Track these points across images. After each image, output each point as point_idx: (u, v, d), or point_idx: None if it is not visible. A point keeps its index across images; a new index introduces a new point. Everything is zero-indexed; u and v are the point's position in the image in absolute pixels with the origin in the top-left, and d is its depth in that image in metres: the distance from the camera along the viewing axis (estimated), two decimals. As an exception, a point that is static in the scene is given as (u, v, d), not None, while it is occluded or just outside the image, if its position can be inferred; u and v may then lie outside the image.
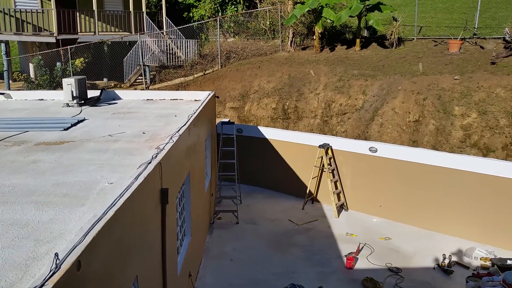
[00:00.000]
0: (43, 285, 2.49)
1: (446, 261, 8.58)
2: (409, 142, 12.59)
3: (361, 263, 8.75)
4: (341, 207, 11.62)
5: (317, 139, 11.97)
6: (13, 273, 2.79)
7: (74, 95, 9.81)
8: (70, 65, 17.80)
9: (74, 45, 18.03)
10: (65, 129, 7.24)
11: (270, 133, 12.86)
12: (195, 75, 18.27)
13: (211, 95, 11.13)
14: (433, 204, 10.13)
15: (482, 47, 15.07)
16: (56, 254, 2.76)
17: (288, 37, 18.73)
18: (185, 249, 6.97)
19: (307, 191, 11.81)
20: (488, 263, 8.45)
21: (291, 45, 18.48)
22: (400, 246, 9.46)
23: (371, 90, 14.31)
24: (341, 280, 8.18)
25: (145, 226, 4.59)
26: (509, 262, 8.07)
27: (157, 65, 19.44)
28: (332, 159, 11.71)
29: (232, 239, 9.80)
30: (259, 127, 13.11)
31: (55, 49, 17.90)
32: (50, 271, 2.63)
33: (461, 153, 11.32)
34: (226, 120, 12.97)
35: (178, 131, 6.69)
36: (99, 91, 11.21)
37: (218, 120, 12.81)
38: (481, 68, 13.42)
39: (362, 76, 14.83)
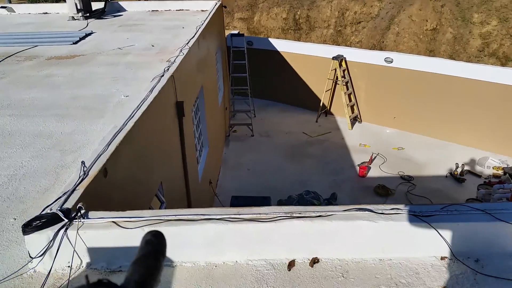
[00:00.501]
0: (74, 189, 2.62)
1: (459, 169, 8.72)
2: (426, 52, 12.19)
3: (374, 172, 8.99)
4: (354, 119, 11.63)
5: (331, 51, 11.60)
6: (45, 180, 2.93)
7: (79, 7, 9.44)
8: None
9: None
10: (74, 43, 7.09)
11: (282, 45, 12.46)
12: (202, -17, 17.26)
13: (218, 4, 10.62)
14: (447, 115, 10.07)
15: None
16: (83, 162, 2.86)
17: None
18: (204, 159, 7.20)
19: (321, 104, 11.76)
20: (500, 172, 8.59)
21: None
22: (412, 156, 9.61)
23: (389, -4, 13.50)
24: (354, 187, 8.48)
25: (165, 137, 4.69)
26: (520, 170, 8.21)
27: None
28: (346, 71, 11.45)
29: (248, 150, 10.06)
30: (270, 39, 12.68)
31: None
32: (79, 177, 2.75)
33: (479, 62, 10.96)
34: (236, 32, 12.50)
35: (188, 43, 6.52)
36: (103, 2, 10.75)
37: (227, 33, 12.37)
38: (508, -31, 12.41)
39: (380, -19, 13.89)
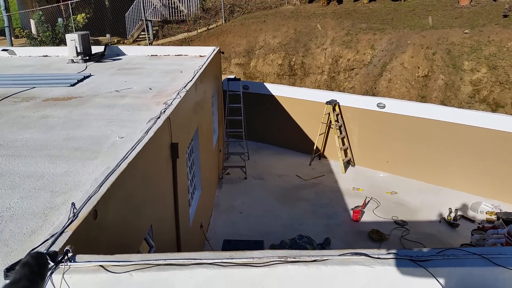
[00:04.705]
0: (62, 232, 2.56)
1: (452, 214, 8.69)
2: (418, 98, 12.45)
3: (367, 216, 8.92)
4: (348, 163, 11.68)
5: (324, 96, 11.84)
6: (33, 222, 2.86)
7: (79, 51, 9.67)
8: (72, 21, 17.42)
9: (75, 0, 17.57)
10: (72, 85, 7.18)
11: (277, 90, 12.72)
12: (199, 30, 17.87)
13: (216, 50, 10.92)
14: (440, 159, 10.15)
15: (494, 0, 14.53)
16: (73, 204, 2.81)
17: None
18: (196, 202, 7.12)
19: (314, 147, 11.85)
20: (494, 217, 8.56)
21: (297, -2, 17.92)
22: (406, 200, 9.59)
23: (380, 45, 13.98)
24: (347, 232, 8.37)
25: (157, 179, 4.66)
26: (514, 215, 8.18)
27: (159, 19, 18.98)
28: (339, 116, 11.64)
29: (240, 193, 9.98)
30: (265, 84, 12.96)
31: (56, 4, 17.47)
32: (69, 219, 2.69)
33: (470, 108, 11.20)
34: (232, 76, 12.80)
35: (185, 86, 6.65)
36: (103, 46, 11.03)
37: (223, 77, 12.65)
38: (493, 21, 13.00)
39: (371, 30, 14.44)
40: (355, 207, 9.05)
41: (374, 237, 8.07)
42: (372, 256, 2.94)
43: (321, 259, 2.95)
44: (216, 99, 10.76)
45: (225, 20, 17.95)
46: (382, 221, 8.70)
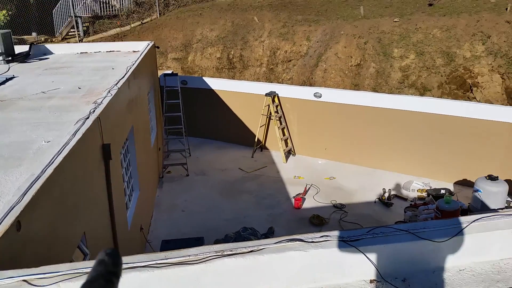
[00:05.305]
0: (-20, 247, 2.39)
1: (386, 194, 9.21)
2: (352, 86, 12.95)
3: (308, 203, 9.20)
4: (288, 153, 11.93)
5: (264, 88, 11.97)
6: None
7: (0, 51, 8.99)
8: (-10, 19, 16.14)
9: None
10: (-9, 88, 6.68)
11: (216, 84, 12.66)
12: (132, 25, 17.28)
13: (150, 45, 10.64)
14: (374, 144, 10.67)
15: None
16: (-8, 216, 2.63)
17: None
18: (135, 204, 6.92)
19: (256, 140, 11.96)
20: (424, 194, 9.17)
21: (232, -9, 17.84)
22: (344, 184, 10.00)
23: (315, 36, 14.34)
24: (290, 219, 8.58)
25: (89, 183, 4.47)
26: (442, 191, 8.82)
27: (90, 15, 18.11)
28: (279, 107, 11.83)
29: (182, 191, 9.85)
30: (204, 78, 12.85)
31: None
32: (-13, 233, 2.52)
33: (400, 93, 11.84)
34: (169, 72, 12.54)
35: (117, 84, 6.42)
36: (28, 46, 10.35)
37: (160, 72, 12.36)
38: (419, 9, 13.77)
39: (306, 22, 14.76)
40: (297, 195, 9.29)
41: (315, 222, 8.36)
42: (306, 240, 3.04)
43: (258, 249, 2.99)
44: (152, 95, 10.49)
45: (160, 14, 17.50)
46: (322, 206, 9.01)
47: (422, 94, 11.81)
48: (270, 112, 11.66)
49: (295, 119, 11.90)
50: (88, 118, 4.75)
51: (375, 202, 9.21)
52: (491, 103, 10.84)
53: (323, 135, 11.38)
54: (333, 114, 11.10)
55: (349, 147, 11.03)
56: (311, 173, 10.65)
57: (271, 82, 13.96)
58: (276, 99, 11.75)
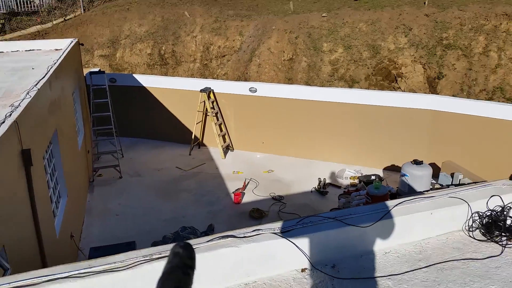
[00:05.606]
0: None
1: (322, 184, 9.51)
2: (285, 80, 13.16)
3: (248, 197, 9.25)
4: (227, 148, 11.89)
5: (198, 84, 11.81)
6: None
7: None
8: None
9: None
10: None
11: (148, 81, 12.27)
12: (54, 22, 16.21)
13: (74, 42, 10.05)
14: (309, 135, 10.96)
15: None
16: None
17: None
18: (62, 211, 6.51)
19: (193, 137, 11.78)
20: (356, 181, 9.59)
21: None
22: (281, 176, 10.18)
23: (248, 31, 14.37)
24: (230, 215, 8.57)
25: (8, 192, 4.12)
26: (372, 177, 9.27)
27: (5, 12, 16.71)
28: (214, 103, 11.73)
29: (116, 194, 9.44)
30: (134, 75, 12.39)
31: None
32: None
33: (331, 86, 12.24)
34: (96, 69, 11.93)
35: (36, 84, 6.00)
36: None
37: (86, 71, 11.72)
38: (346, 4, 14.29)
39: (238, 17, 14.74)
40: (236, 190, 9.29)
41: (255, 215, 8.42)
42: (238, 236, 3.01)
43: (188, 250, 2.91)
44: (78, 95, 9.93)
45: (84, 10, 16.59)
46: (262, 199, 9.10)
47: (351, 86, 12.30)
48: (206, 108, 11.53)
49: (231, 114, 11.87)
50: (3, 122, 4.41)
51: (311, 191, 9.47)
52: (415, 92, 11.55)
53: (260, 129, 11.48)
54: (269, 108, 11.23)
55: (286, 140, 11.23)
56: (250, 167, 10.70)
57: (206, 78, 13.81)
58: (211, 95, 11.64)
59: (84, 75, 11.36)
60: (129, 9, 15.73)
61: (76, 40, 10.58)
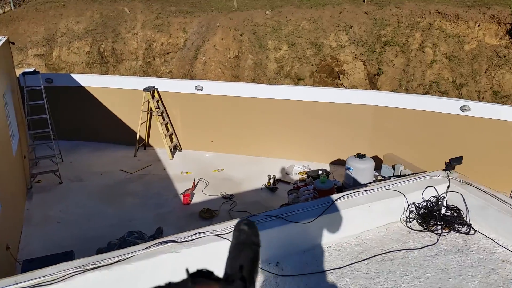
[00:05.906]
0: None
1: (271, 180, 9.56)
2: (232, 78, 13.10)
3: (198, 197, 9.11)
4: (174, 148, 11.63)
5: (141, 82, 11.43)
6: None
7: None
8: None
9: None
10: None
11: (88, 80, 11.70)
12: (-19, 19, 15.04)
13: (3, 41, 9.35)
14: (257, 133, 10.97)
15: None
16: None
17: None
18: (-6, 222, 6.03)
19: (138, 138, 11.39)
20: (305, 176, 9.73)
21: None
22: (231, 175, 10.12)
23: (191, 28, 14.13)
24: (179, 217, 8.38)
25: None
26: (320, 172, 9.45)
27: None
28: (159, 102, 11.41)
29: (57, 200, 8.92)
30: (72, 75, 11.77)
31: None
32: None
33: (277, 83, 12.34)
34: (30, 69, 11.19)
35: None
36: None
37: (19, 71, 10.97)
38: (289, 2, 14.44)
39: (181, 13, 14.45)
40: (185, 190, 9.10)
41: (205, 215, 8.29)
42: (178, 241, 2.91)
43: (125, 258, 2.78)
44: (10, 97, 9.26)
45: (14, 6, 15.53)
46: (212, 199, 8.99)
47: (296, 83, 12.47)
48: (151, 108, 11.20)
49: (178, 113, 11.62)
50: None
51: (261, 188, 9.49)
52: (356, 88, 11.92)
53: (208, 128, 11.33)
54: (216, 106, 11.11)
55: (235, 138, 11.17)
56: (199, 167, 10.53)
57: (150, 76, 13.42)
58: (156, 93, 11.32)
59: (17, 75, 10.61)
60: (65, 5, 14.92)
61: (6, 38, 9.86)
